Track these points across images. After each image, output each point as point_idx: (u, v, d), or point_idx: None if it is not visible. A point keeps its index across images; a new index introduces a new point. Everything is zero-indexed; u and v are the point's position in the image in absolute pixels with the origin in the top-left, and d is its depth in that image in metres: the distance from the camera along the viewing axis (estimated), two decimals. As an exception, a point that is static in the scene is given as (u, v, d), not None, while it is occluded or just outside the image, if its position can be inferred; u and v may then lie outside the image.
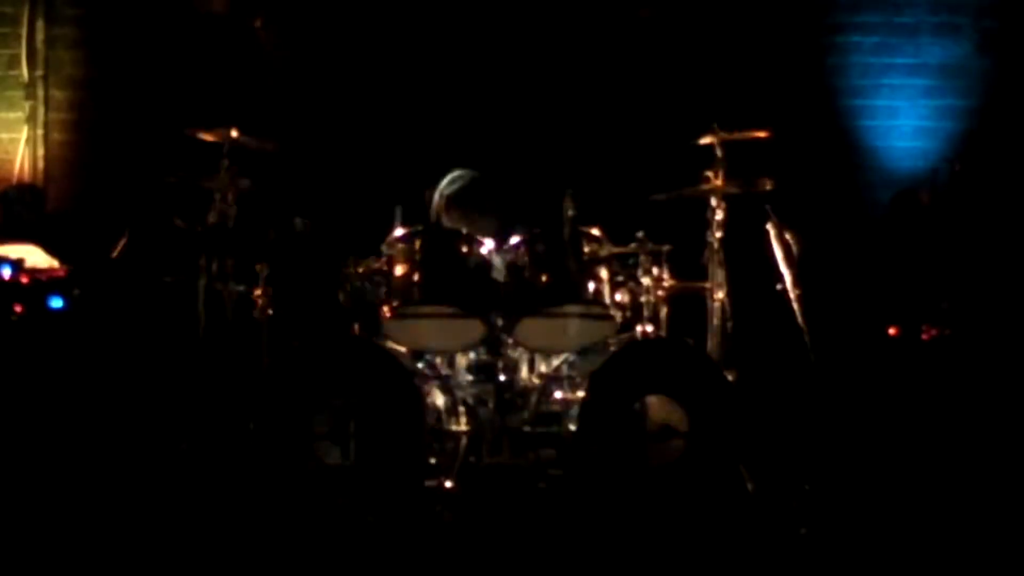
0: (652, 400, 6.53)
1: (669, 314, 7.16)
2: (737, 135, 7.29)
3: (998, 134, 9.13)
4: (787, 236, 7.27)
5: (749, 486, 6.51)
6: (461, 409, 6.94)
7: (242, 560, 5.77)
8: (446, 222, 7.61)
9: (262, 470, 6.59)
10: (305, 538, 6.20)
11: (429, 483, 6.61)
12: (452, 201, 7.58)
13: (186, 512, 6.17)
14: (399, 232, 7.09)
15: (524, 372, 7.05)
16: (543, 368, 7.06)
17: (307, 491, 6.51)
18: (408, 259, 6.96)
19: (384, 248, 7.12)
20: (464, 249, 7.02)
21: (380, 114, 9.04)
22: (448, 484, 6.58)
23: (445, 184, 7.63)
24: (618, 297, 7.05)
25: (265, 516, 6.23)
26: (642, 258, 7.12)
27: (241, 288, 7.34)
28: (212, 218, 7.22)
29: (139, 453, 7.00)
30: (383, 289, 7.04)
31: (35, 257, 7.82)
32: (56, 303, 7.53)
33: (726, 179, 7.27)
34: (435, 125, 8.77)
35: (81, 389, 7.37)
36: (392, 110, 9.01)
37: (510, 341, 6.98)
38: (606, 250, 7.08)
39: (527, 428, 6.87)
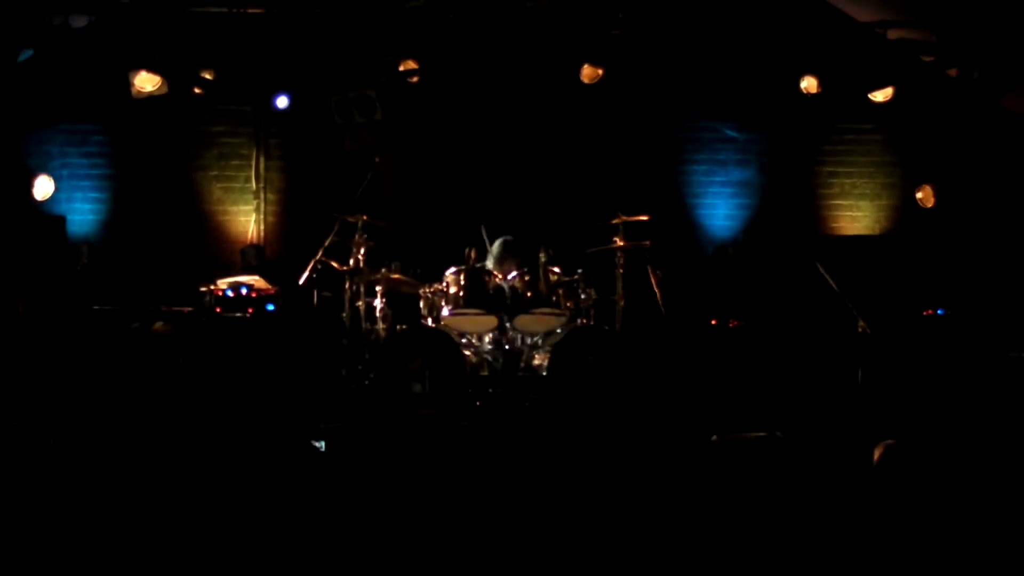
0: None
1: (594, 313, 7.61)
2: (631, 218, 7.73)
3: (769, 219, 9.42)
4: (656, 272, 7.71)
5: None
6: (484, 363, 7.41)
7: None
8: (495, 258, 7.67)
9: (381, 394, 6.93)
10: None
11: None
12: (501, 249, 7.71)
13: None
14: (452, 269, 7.45)
15: (518, 343, 7.44)
16: (528, 342, 7.46)
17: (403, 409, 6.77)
18: (457, 284, 7.41)
19: (444, 277, 7.50)
20: (487, 278, 7.44)
21: (442, 206, 9.02)
22: (477, 403, 7.11)
23: (498, 241, 7.75)
24: (568, 304, 7.48)
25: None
26: (580, 283, 7.54)
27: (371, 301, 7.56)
28: (352, 262, 7.58)
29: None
30: (443, 300, 7.45)
31: (259, 283, 8.04)
32: (270, 307, 7.87)
33: (625, 241, 7.67)
34: (473, 215, 8.45)
35: (285, 356, 7.52)
36: (449, 204, 8.99)
37: (510, 327, 7.40)
38: (561, 279, 7.51)
39: (520, 374, 7.36)
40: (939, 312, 8.09)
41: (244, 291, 7.83)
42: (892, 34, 8.84)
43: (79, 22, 8.58)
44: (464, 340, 7.42)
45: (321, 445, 5.63)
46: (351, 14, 8.81)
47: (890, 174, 9.57)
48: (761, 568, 4.28)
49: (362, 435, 6.21)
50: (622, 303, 7.71)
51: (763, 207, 9.43)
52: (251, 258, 8.86)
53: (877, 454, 4.57)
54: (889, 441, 4.61)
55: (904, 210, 9.42)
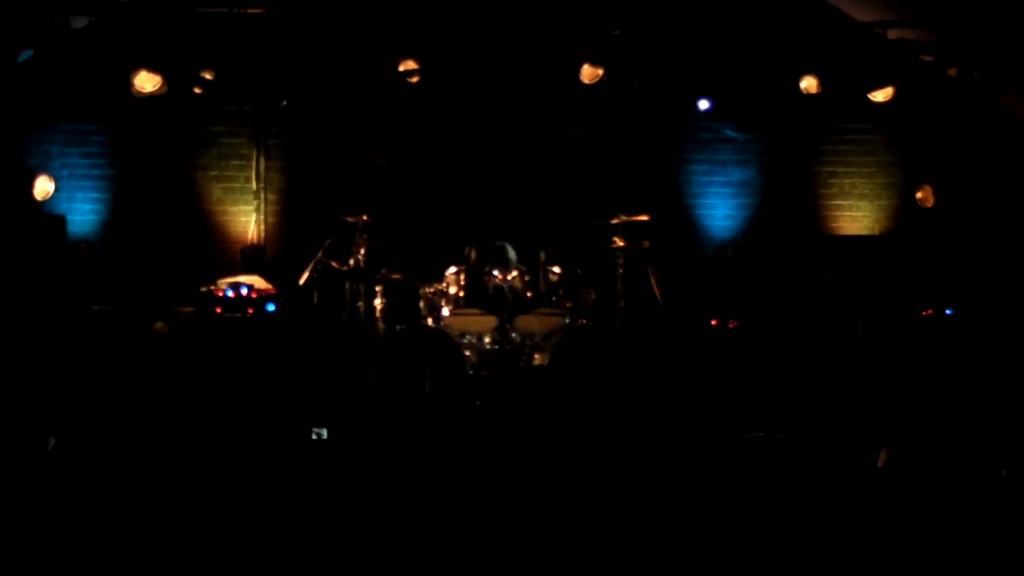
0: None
1: (594, 313, 7.65)
2: (631, 218, 7.77)
3: (769, 219, 9.42)
4: (656, 272, 7.84)
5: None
6: (484, 363, 7.40)
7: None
8: (488, 263, 7.70)
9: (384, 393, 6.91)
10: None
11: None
12: (494, 255, 7.81)
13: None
14: (453, 269, 7.56)
15: (518, 343, 7.47)
16: (528, 342, 7.48)
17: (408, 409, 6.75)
18: (457, 284, 7.51)
19: (445, 277, 7.59)
20: (487, 279, 7.53)
21: (442, 206, 8.96)
22: (477, 403, 7.07)
23: (492, 246, 7.83)
24: (568, 304, 7.55)
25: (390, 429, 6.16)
26: (580, 283, 7.59)
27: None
28: (352, 263, 7.63)
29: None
30: (443, 300, 7.55)
31: (259, 283, 8.09)
32: (270, 307, 7.92)
33: (625, 240, 7.71)
34: (473, 215, 8.72)
35: (285, 355, 7.49)
36: (448, 204, 8.94)
37: (510, 327, 7.47)
38: (561, 279, 7.59)
39: (519, 373, 7.32)
40: (947, 312, 8.03)
41: (244, 291, 7.83)
42: (892, 34, 8.84)
43: (79, 22, 8.56)
44: (464, 340, 7.43)
45: (323, 432, 5.71)
46: (351, 14, 8.80)
47: (890, 174, 9.56)
48: (761, 568, 4.28)
49: (362, 435, 6.17)
50: (622, 303, 7.71)
51: (763, 207, 9.44)
52: (251, 258, 8.86)
53: (883, 458, 4.57)
54: (892, 442, 4.61)
55: (904, 210, 9.41)
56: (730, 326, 8.05)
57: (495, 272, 7.59)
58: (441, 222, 8.87)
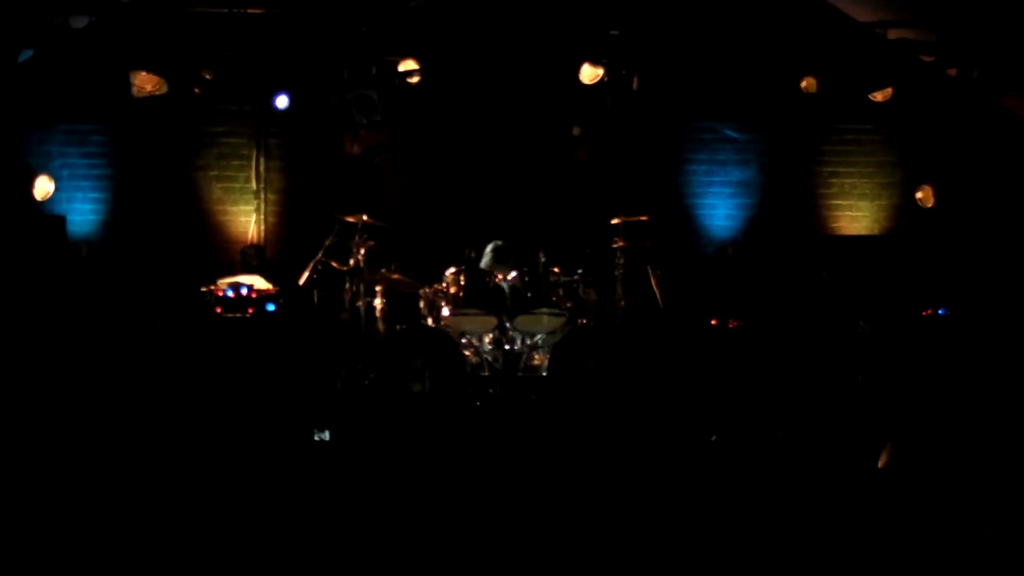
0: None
1: (594, 313, 7.59)
2: (631, 218, 7.82)
3: (769, 219, 9.43)
4: (656, 272, 7.78)
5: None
6: (484, 363, 7.40)
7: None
8: (487, 263, 7.76)
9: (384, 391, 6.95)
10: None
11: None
12: (493, 255, 7.87)
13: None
14: (452, 269, 7.50)
15: (518, 344, 7.41)
16: (528, 342, 7.42)
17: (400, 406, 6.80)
18: (457, 284, 7.44)
19: (444, 277, 7.53)
20: (487, 279, 7.47)
21: (443, 205, 8.97)
22: (477, 403, 7.08)
23: (490, 246, 7.89)
24: (568, 304, 7.49)
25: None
26: (580, 283, 7.57)
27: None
28: (352, 262, 7.63)
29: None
30: (443, 300, 7.48)
31: (259, 283, 8.10)
32: (270, 307, 7.94)
33: (625, 241, 7.76)
34: (473, 215, 8.77)
35: (285, 355, 7.57)
36: (450, 204, 8.96)
37: (510, 327, 7.38)
38: (561, 279, 7.55)
39: (520, 374, 7.34)
40: (940, 312, 8.07)
41: (244, 291, 7.83)
42: (892, 34, 8.84)
43: (79, 22, 8.57)
44: (464, 340, 7.41)
45: (326, 435, 5.73)
46: (351, 14, 8.81)
47: (890, 174, 9.57)
48: (762, 568, 4.30)
49: (361, 435, 6.20)
50: (622, 303, 7.71)
51: (763, 207, 9.44)
52: (251, 258, 8.86)
53: (884, 459, 4.55)
54: (893, 442, 4.59)
55: (904, 210, 9.41)
56: (730, 325, 8.04)
57: (495, 272, 7.57)
58: (441, 222, 8.85)
